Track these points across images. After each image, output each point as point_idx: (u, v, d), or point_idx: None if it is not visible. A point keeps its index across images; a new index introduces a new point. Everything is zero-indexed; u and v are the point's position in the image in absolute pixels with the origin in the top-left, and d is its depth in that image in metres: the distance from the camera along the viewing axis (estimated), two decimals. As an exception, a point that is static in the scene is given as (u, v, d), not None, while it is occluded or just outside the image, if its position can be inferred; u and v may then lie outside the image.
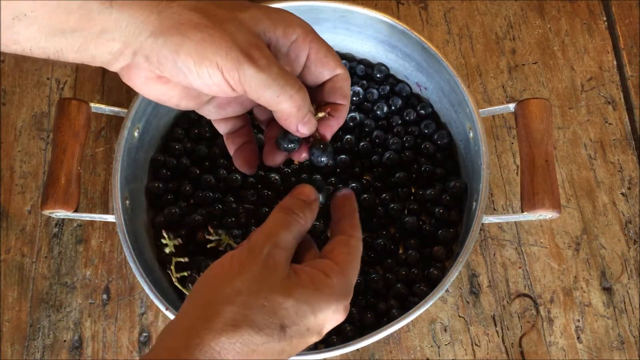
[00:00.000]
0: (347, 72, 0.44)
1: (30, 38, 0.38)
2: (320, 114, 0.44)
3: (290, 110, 0.40)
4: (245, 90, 0.39)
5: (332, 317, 0.39)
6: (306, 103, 0.41)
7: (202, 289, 0.38)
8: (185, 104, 0.43)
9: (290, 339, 0.38)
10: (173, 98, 0.43)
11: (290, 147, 0.45)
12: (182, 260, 0.52)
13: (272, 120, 0.46)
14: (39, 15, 0.37)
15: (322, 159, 0.44)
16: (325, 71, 0.43)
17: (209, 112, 0.46)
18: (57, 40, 0.38)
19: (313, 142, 0.45)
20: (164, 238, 0.51)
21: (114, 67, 0.41)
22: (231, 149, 0.48)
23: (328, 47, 0.43)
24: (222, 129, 0.48)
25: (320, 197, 0.45)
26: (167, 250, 0.51)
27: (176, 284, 0.52)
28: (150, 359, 0.37)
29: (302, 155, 0.46)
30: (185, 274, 0.54)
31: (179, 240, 0.51)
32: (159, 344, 0.37)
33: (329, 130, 0.45)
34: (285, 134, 0.44)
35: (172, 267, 0.52)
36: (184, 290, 0.54)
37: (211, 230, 0.49)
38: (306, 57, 0.42)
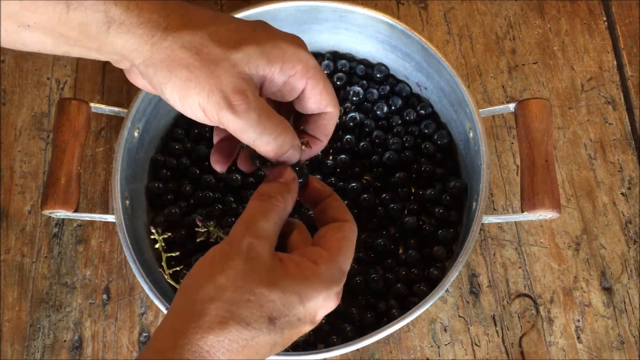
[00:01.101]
0: (337, 112, 0.45)
1: (37, 42, 0.39)
2: (302, 146, 0.44)
3: (266, 153, 0.41)
4: (224, 127, 0.41)
5: (323, 304, 0.39)
6: (285, 145, 0.41)
7: (187, 288, 0.38)
8: None
9: (281, 331, 0.37)
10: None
11: (262, 165, 0.44)
12: (172, 255, 0.51)
13: None
14: (41, 28, 0.38)
15: (299, 181, 0.44)
16: (315, 107, 0.44)
17: None
18: (62, 46, 0.40)
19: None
20: (153, 234, 0.51)
21: (118, 66, 0.43)
22: (215, 139, 0.48)
23: (325, 85, 0.43)
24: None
25: (301, 181, 0.43)
26: (157, 246, 0.50)
27: (168, 280, 0.52)
28: (140, 359, 0.37)
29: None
30: (178, 268, 0.53)
31: (169, 233, 0.51)
32: (149, 346, 0.37)
33: (303, 159, 0.45)
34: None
35: (164, 264, 0.52)
36: (177, 286, 0.53)
37: (199, 223, 0.48)
38: (301, 90, 0.43)
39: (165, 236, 0.51)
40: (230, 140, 0.47)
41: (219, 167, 0.47)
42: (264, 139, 0.40)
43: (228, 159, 0.47)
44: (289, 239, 0.42)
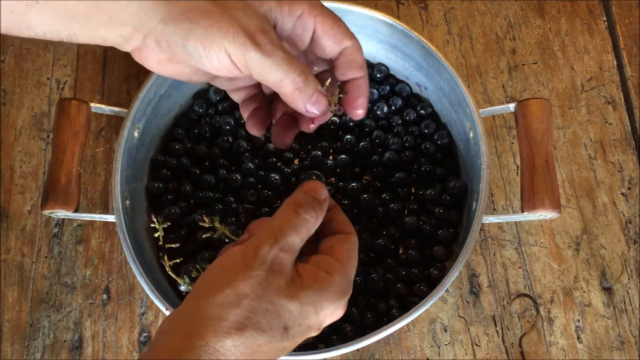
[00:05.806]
0: (357, 42, 0.44)
1: (43, 23, 0.39)
2: (340, 95, 0.45)
3: (293, 93, 0.41)
4: (251, 73, 0.40)
5: (332, 313, 0.41)
6: (309, 85, 0.42)
7: (205, 288, 0.39)
8: (197, 79, 0.45)
9: (293, 338, 0.39)
10: (185, 75, 0.44)
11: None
12: (173, 246, 0.51)
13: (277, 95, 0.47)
14: (49, 3, 0.38)
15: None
16: (332, 44, 0.44)
17: (221, 84, 0.47)
18: (69, 24, 0.39)
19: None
20: (153, 223, 0.50)
21: (125, 49, 0.42)
22: (245, 114, 0.49)
23: (335, 20, 0.43)
24: (235, 97, 0.49)
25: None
26: (156, 235, 0.50)
27: (169, 272, 0.52)
28: (152, 358, 0.37)
29: (311, 126, 0.47)
30: (178, 260, 0.53)
31: (168, 223, 0.51)
32: (160, 344, 0.37)
33: (359, 104, 0.46)
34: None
35: (165, 255, 0.51)
36: (178, 280, 0.52)
37: (205, 219, 0.48)
38: (312, 31, 0.43)
39: (165, 225, 0.51)
40: (261, 109, 0.48)
41: (256, 131, 0.47)
42: (289, 77, 0.40)
43: (263, 125, 0.47)
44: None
